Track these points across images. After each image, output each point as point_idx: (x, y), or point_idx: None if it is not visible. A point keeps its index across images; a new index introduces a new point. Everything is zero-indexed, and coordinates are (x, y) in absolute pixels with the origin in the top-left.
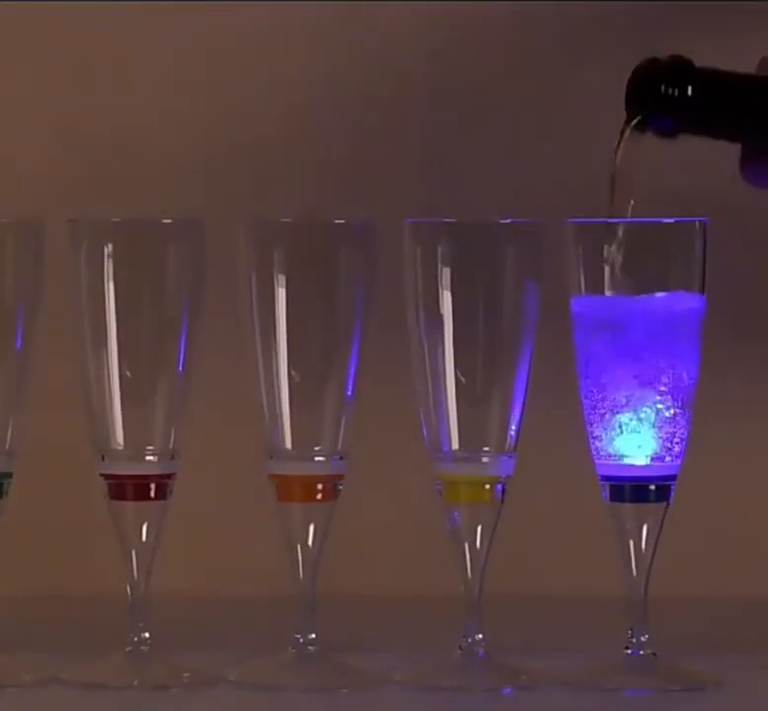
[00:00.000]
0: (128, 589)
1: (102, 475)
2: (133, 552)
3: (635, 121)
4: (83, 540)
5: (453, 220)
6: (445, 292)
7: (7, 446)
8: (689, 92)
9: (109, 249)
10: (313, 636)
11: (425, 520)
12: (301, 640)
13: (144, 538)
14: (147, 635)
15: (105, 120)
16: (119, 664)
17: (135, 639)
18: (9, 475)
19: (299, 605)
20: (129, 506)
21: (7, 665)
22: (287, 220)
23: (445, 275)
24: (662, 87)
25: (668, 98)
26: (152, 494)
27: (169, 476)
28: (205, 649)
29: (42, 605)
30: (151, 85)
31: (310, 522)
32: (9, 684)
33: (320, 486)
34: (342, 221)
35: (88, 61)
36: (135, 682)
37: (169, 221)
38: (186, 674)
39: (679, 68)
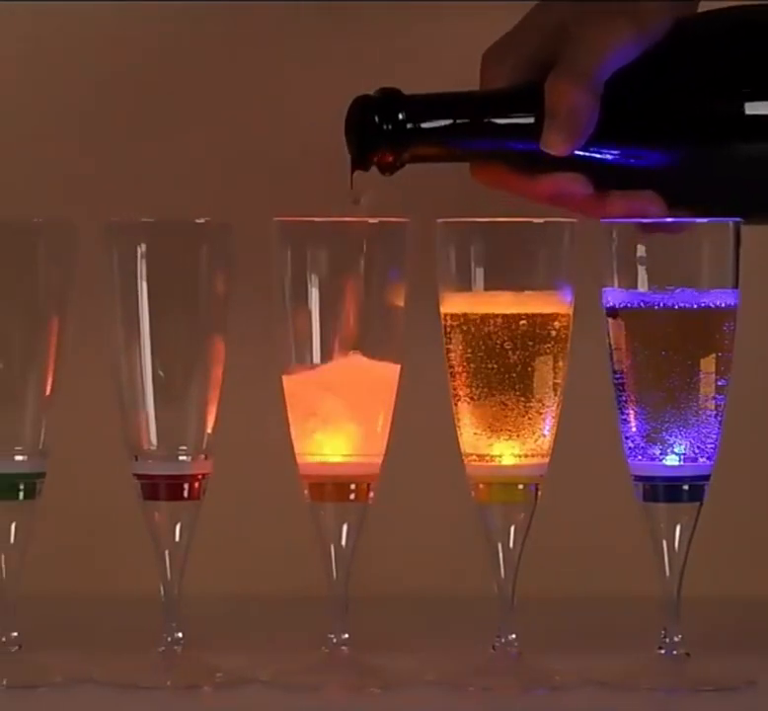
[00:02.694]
0: (161, 588)
1: (135, 475)
2: (167, 552)
3: (357, 161)
4: (116, 540)
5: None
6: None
7: (40, 447)
8: (402, 121)
9: (142, 249)
10: (346, 636)
11: (459, 521)
12: (334, 640)
13: (177, 538)
14: (180, 635)
15: None
16: (152, 663)
17: (168, 639)
18: (42, 475)
19: (332, 605)
20: (163, 506)
21: (40, 664)
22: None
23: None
24: (376, 121)
25: (384, 132)
26: (185, 494)
27: (202, 476)
28: (238, 649)
29: (75, 605)
30: None
31: (343, 522)
32: (42, 684)
33: (353, 486)
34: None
35: None
36: (168, 682)
37: (201, 221)
38: (218, 674)
39: (389, 100)
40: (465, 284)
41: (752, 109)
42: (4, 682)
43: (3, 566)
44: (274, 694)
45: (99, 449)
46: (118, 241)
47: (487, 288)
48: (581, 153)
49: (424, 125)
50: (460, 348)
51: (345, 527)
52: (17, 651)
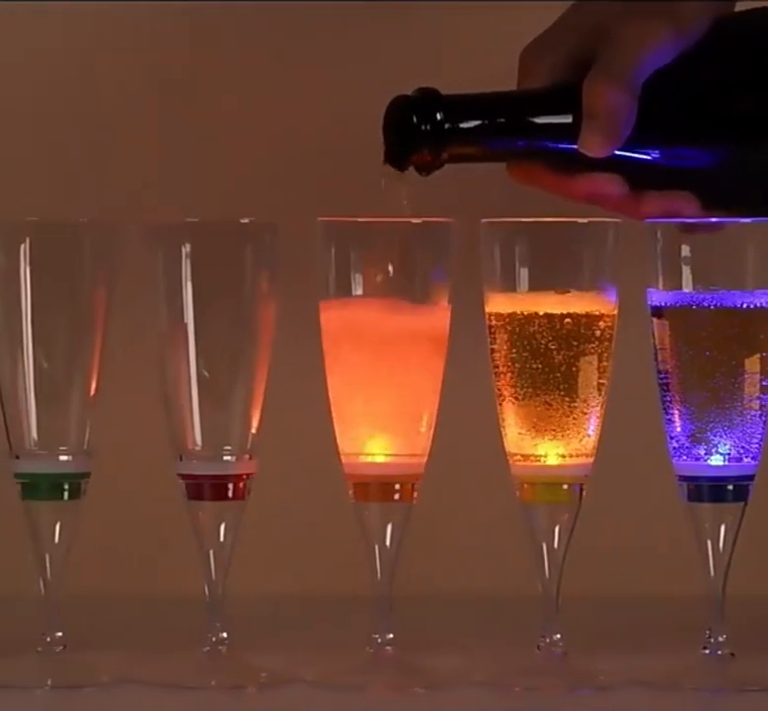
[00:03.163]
0: (206, 589)
1: (179, 475)
2: (211, 552)
3: (394, 162)
4: (160, 540)
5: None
6: None
7: (85, 447)
8: (441, 121)
9: (186, 249)
10: (391, 636)
11: (503, 520)
12: (379, 640)
13: (222, 538)
14: (225, 635)
15: None
16: (197, 664)
17: (213, 639)
18: (86, 475)
19: (376, 605)
20: (207, 506)
21: (85, 665)
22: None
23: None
24: (415, 121)
25: (422, 132)
26: (230, 494)
27: (247, 476)
28: (282, 649)
29: (120, 605)
30: None
31: (388, 522)
32: (87, 684)
33: (398, 486)
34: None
35: None
36: (213, 682)
37: (246, 221)
38: (263, 674)
39: (427, 100)
40: (509, 284)
41: None
42: (49, 682)
43: (48, 566)
44: (319, 694)
45: (143, 449)
46: (163, 241)
47: (531, 288)
48: (619, 153)
49: (463, 125)
50: (505, 347)
51: (389, 527)
52: (62, 651)
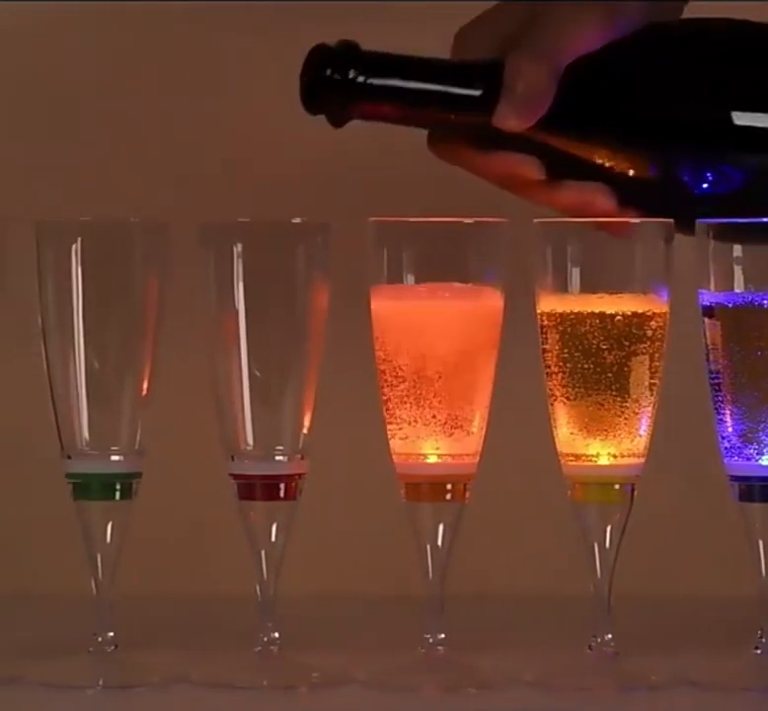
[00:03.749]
0: (257, 588)
1: (231, 475)
2: (263, 552)
3: (305, 106)
4: (212, 540)
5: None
6: None
7: (136, 446)
8: (353, 76)
9: (237, 249)
10: (442, 636)
11: (554, 520)
12: (430, 640)
13: (273, 538)
14: (276, 635)
15: None
16: (249, 664)
17: (265, 639)
18: (138, 475)
19: (428, 605)
20: (259, 505)
21: (136, 664)
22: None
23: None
24: (328, 72)
25: (333, 82)
26: (282, 494)
27: (298, 476)
28: (334, 649)
29: (172, 605)
30: None
31: (439, 522)
32: (138, 684)
33: (449, 486)
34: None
35: None
36: (264, 682)
37: (298, 221)
38: (315, 675)
39: (344, 52)
40: (561, 285)
41: (731, 118)
42: (100, 682)
43: (99, 566)
44: (371, 694)
45: (195, 449)
46: (215, 241)
47: (583, 288)
48: (536, 138)
49: (375, 82)
50: (556, 347)
51: (441, 527)
52: (113, 651)
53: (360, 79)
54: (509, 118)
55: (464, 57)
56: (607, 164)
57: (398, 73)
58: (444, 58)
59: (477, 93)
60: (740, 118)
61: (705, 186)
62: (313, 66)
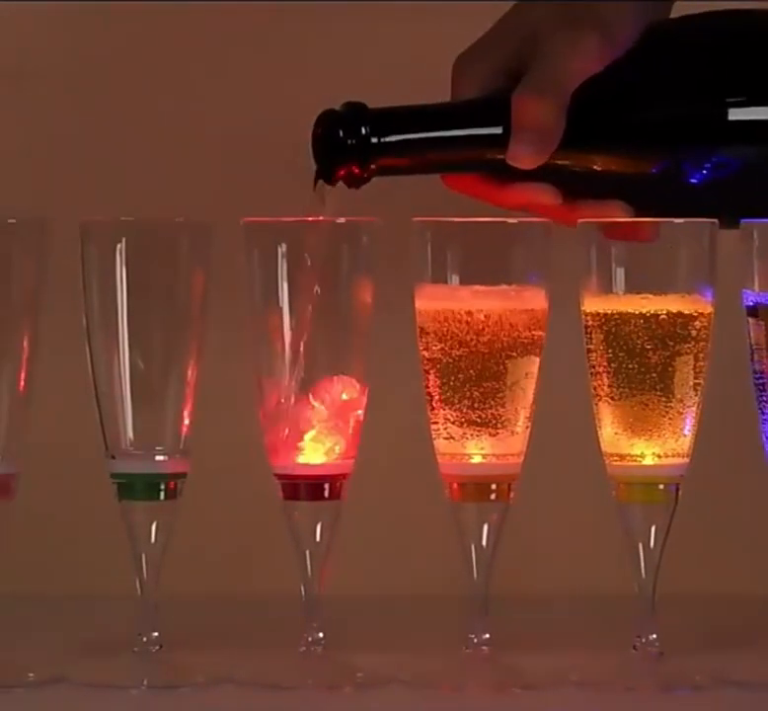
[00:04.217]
0: (302, 588)
1: (276, 475)
2: (307, 552)
3: (323, 176)
4: (256, 540)
5: None
6: None
7: (181, 446)
8: (366, 135)
9: (282, 249)
10: (487, 636)
11: (599, 520)
12: (475, 640)
13: (318, 538)
14: (321, 635)
15: None
16: (293, 664)
17: (309, 639)
18: (183, 475)
19: (472, 605)
20: (304, 506)
21: (181, 664)
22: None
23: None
24: (341, 136)
25: (349, 146)
26: (326, 494)
27: (343, 476)
28: (379, 649)
29: (216, 605)
30: None
31: (484, 522)
32: (183, 684)
33: (494, 486)
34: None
35: None
36: (309, 682)
37: (342, 221)
38: (359, 674)
39: (353, 114)
40: (605, 285)
41: (728, 114)
42: (145, 683)
43: (144, 566)
44: (415, 694)
45: (240, 449)
46: (259, 241)
47: (627, 289)
48: (550, 162)
49: (389, 139)
50: (601, 348)
51: (485, 527)
52: (158, 651)
53: (375, 139)
54: (523, 158)
55: (466, 89)
56: (622, 178)
57: (411, 127)
58: (450, 102)
59: (489, 133)
60: (747, 113)
61: (711, 181)
62: (324, 134)
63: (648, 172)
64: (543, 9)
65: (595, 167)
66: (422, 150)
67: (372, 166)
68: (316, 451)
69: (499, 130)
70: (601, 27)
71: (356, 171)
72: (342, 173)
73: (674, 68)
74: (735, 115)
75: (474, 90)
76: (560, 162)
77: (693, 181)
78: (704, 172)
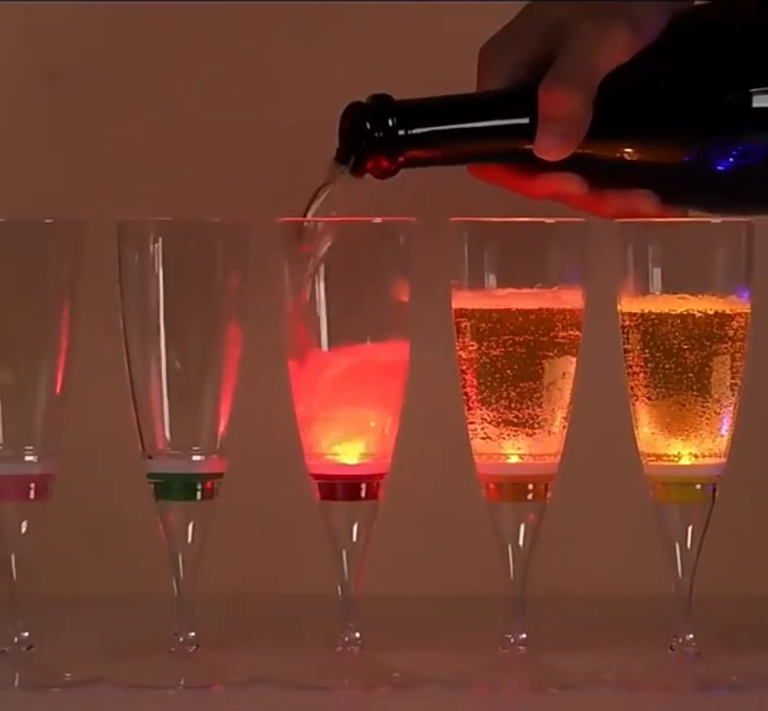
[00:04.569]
0: (339, 588)
1: (312, 475)
2: (344, 552)
3: (349, 168)
4: (292, 540)
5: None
6: None
7: (218, 447)
8: (393, 127)
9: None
10: (524, 636)
11: (635, 520)
12: (512, 640)
13: (354, 538)
14: (358, 635)
15: None
16: (329, 663)
17: (346, 639)
18: (219, 475)
19: (509, 605)
20: (339, 506)
21: (217, 665)
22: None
23: None
24: (368, 128)
25: (376, 139)
26: (363, 494)
27: (380, 476)
28: (415, 649)
29: (253, 605)
30: None
31: (521, 522)
32: (219, 684)
33: (531, 486)
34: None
35: None
36: (346, 682)
37: (379, 221)
38: (395, 674)
39: (379, 107)
40: (643, 285)
41: (754, 101)
42: (182, 683)
43: (181, 566)
44: (452, 694)
45: (276, 449)
46: (291, 241)
47: (664, 289)
48: (577, 152)
49: (416, 131)
50: (638, 348)
51: (522, 527)
52: (194, 651)
53: (402, 131)
54: (550, 149)
55: (492, 79)
56: (650, 166)
57: (437, 118)
58: (476, 93)
59: (516, 124)
60: None
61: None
62: (351, 126)
63: (674, 161)
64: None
65: (622, 156)
66: (450, 141)
67: (400, 158)
68: (352, 451)
69: (526, 121)
70: (629, 17)
71: (384, 163)
72: (369, 165)
73: (700, 57)
74: (761, 102)
75: (500, 80)
76: (587, 152)
77: (720, 169)
78: (730, 160)
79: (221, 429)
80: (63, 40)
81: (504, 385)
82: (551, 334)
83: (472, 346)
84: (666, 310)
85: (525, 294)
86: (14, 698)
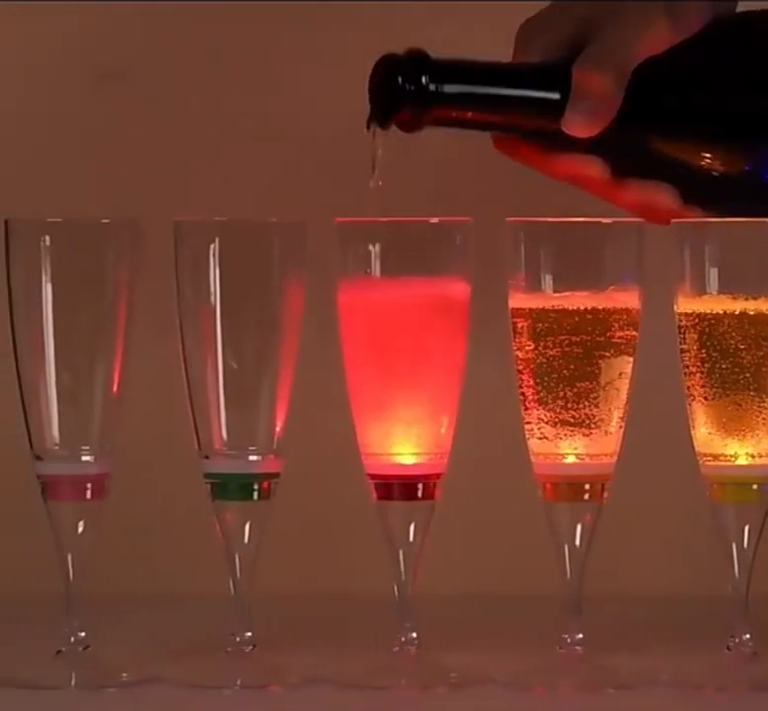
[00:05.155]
0: (395, 588)
1: (369, 475)
2: (400, 552)
3: (377, 119)
4: (349, 540)
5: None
6: None
7: (274, 446)
8: (425, 84)
9: (376, 250)
10: (580, 636)
11: (693, 520)
12: (568, 640)
13: (411, 538)
14: (414, 635)
15: None
16: (386, 663)
17: (402, 639)
18: (276, 475)
19: (566, 605)
20: (396, 506)
21: (274, 665)
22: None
23: None
24: (400, 81)
25: (406, 92)
26: (419, 494)
27: (437, 476)
28: (472, 649)
29: (309, 605)
30: None
31: (577, 522)
32: (275, 684)
33: (587, 486)
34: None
35: None
36: (403, 682)
37: (436, 221)
38: (453, 675)
39: (415, 61)
40: (699, 285)
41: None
42: (238, 682)
43: (237, 566)
44: (509, 694)
45: (333, 448)
46: (351, 240)
47: (720, 289)
48: (602, 136)
49: (447, 90)
50: (694, 348)
51: (579, 527)
52: (251, 651)
53: (432, 87)
54: (578, 126)
55: (528, 56)
56: (675, 162)
57: (468, 79)
58: (512, 63)
59: (546, 97)
60: None
61: None
62: (383, 77)
63: (700, 162)
64: None
65: (647, 147)
66: (480, 105)
67: (428, 114)
68: (409, 451)
69: (557, 96)
70: (671, 8)
71: (411, 118)
72: (398, 118)
73: (738, 60)
74: None
75: (536, 57)
76: (612, 137)
77: (738, 175)
78: (750, 165)
79: (278, 428)
80: (117, 42)
81: (561, 385)
82: (607, 334)
83: (528, 346)
84: (723, 310)
85: (581, 294)
86: (71, 698)
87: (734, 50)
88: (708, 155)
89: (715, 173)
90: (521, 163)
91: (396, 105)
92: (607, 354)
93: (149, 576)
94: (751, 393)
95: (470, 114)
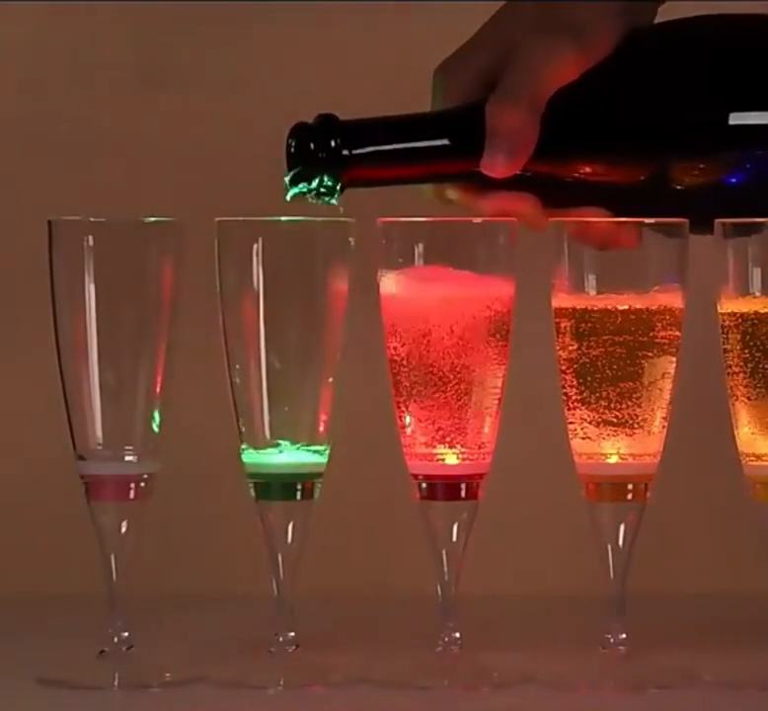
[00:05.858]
0: (438, 589)
1: (412, 475)
2: (443, 552)
3: (296, 190)
4: (392, 540)
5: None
6: None
7: (318, 446)
8: (337, 148)
9: (419, 249)
10: (623, 636)
11: (735, 519)
12: (612, 640)
13: (455, 538)
14: (457, 635)
15: None
16: (429, 663)
17: (446, 639)
18: (319, 475)
19: (609, 605)
20: (439, 506)
21: (317, 664)
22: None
23: None
24: (312, 148)
25: (319, 159)
26: (463, 494)
27: (479, 476)
28: (514, 648)
29: (352, 605)
30: None
31: (620, 522)
32: (318, 684)
33: (631, 486)
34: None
35: None
36: (445, 682)
37: (479, 221)
38: (495, 674)
39: (323, 127)
40: (742, 286)
41: (697, 120)
42: (281, 682)
43: (281, 566)
44: (552, 694)
45: (377, 448)
46: (396, 238)
47: (763, 290)
48: (528, 169)
49: (359, 152)
50: (737, 348)
51: (622, 527)
52: (294, 650)
53: (345, 151)
54: (498, 167)
55: (447, 98)
56: (601, 182)
57: (380, 139)
58: (424, 113)
59: (461, 143)
60: (735, 118)
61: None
62: (296, 147)
63: (626, 180)
64: (522, 14)
65: (573, 174)
66: (395, 161)
67: (344, 178)
68: (452, 452)
69: (472, 139)
70: (576, 32)
71: (329, 184)
72: (316, 185)
73: (652, 76)
74: (736, 119)
75: (454, 98)
76: (537, 170)
77: (678, 187)
78: (674, 179)
79: (321, 428)
80: (158, 43)
81: (604, 385)
82: (650, 334)
83: (572, 345)
84: (766, 311)
85: (624, 294)
86: (114, 698)
87: (648, 66)
88: (634, 173)
89: (642, 189)
90: (454, 204)
91: (312, 173)
92: (650, 354)
93: (192, 576)
94: None
95: (388, 171)
